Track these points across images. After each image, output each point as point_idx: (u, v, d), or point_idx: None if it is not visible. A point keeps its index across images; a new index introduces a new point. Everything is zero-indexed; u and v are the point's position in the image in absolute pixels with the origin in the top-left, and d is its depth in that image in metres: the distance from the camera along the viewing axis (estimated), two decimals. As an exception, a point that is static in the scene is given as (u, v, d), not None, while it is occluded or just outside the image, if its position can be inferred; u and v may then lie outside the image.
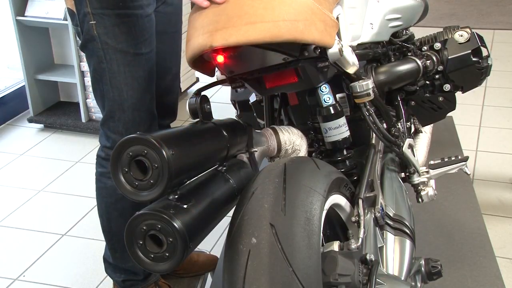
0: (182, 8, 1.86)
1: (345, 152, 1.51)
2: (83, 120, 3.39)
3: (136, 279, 1.90)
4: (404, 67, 1.82)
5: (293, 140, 1.48)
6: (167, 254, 1.02)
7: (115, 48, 1.58)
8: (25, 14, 3.26)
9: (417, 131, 2.05)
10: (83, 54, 3.19)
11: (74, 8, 1.59)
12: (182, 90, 3.66)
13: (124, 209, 1.76)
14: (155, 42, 1.68)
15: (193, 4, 1.32)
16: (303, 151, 1.50)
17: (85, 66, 3.22)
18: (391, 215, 1.53)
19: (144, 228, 1.02)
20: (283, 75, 1.39)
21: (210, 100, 1.34)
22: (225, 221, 1.18)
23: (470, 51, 1.91)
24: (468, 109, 3.40)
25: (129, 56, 1.60)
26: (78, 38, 1.66)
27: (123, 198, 1.73)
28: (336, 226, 1.38)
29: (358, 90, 1.44)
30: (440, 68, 1.92)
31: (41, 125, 3.51)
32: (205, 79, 3.70)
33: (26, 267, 2.35)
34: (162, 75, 1.81)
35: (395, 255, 1.47)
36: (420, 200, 1.78)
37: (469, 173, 1.96)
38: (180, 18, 1.85)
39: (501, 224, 2.41)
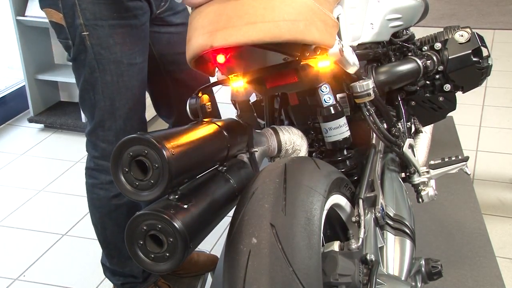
0: None
1: (345, 152, 1.51)
2: (83, 120, 3.38)
3: (135, 282, 1.90)
4: (405, 67, 1.82)
5: (293, 140, 1.48)
6: (167, 254, 1.02)
7: (109, 58, 1.55)
8: (25, 14, 3.26)
9: (418, 131, 2.05)
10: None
11: (62, 22, 1.54)
12: (182, 90, 3.65)
13: (118, 218, 1.75)
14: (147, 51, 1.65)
15: None
16: (303, 151, 1.50)
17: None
18: (392, 215, 1.53)
19: (145, 228, 1.02)
20: (284, 75, 1.39)
21: (210, 100, 1.34)
22: (225, 221, 1.18)
23: (470, 51, 1.92)
24: (468, 109, 3.40)
25: (122, 66, 1.57)
26: (66, 51, 1.60)
27: (117, 208, 1.74)
28: (337, 226, 1.38)
29: (359, 90, 1.44)
30: (441, 68, 1.92)
31: (41, 125, 3.50)
32: (205, 79, 3.69)
33: (26, 267, 2.35)
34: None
35: (395, 255, 1.47)
36: (420, 200, 1.78)
37: (469, 173, 1.96)
38: None
39: (501, 224, 2.41)
